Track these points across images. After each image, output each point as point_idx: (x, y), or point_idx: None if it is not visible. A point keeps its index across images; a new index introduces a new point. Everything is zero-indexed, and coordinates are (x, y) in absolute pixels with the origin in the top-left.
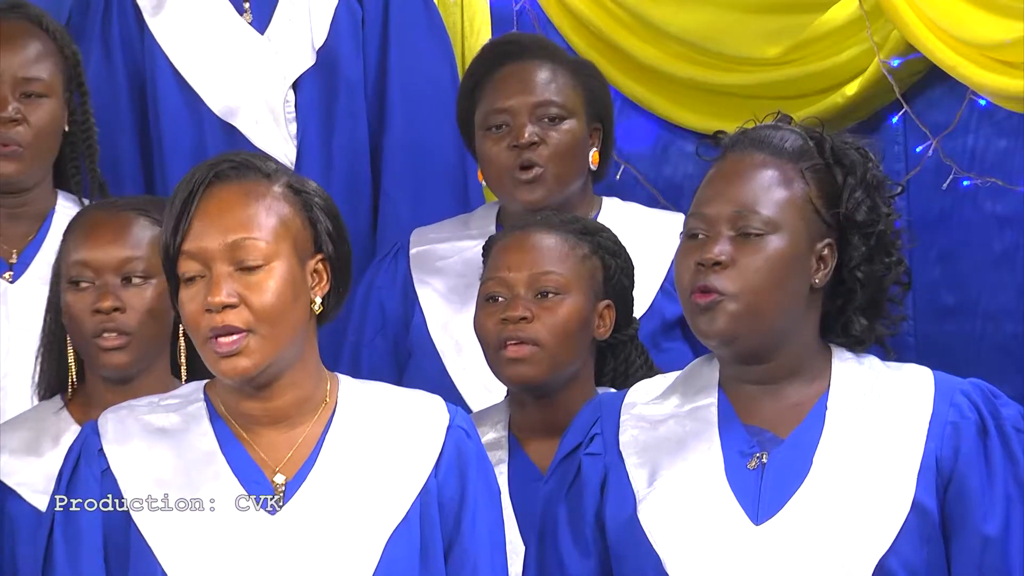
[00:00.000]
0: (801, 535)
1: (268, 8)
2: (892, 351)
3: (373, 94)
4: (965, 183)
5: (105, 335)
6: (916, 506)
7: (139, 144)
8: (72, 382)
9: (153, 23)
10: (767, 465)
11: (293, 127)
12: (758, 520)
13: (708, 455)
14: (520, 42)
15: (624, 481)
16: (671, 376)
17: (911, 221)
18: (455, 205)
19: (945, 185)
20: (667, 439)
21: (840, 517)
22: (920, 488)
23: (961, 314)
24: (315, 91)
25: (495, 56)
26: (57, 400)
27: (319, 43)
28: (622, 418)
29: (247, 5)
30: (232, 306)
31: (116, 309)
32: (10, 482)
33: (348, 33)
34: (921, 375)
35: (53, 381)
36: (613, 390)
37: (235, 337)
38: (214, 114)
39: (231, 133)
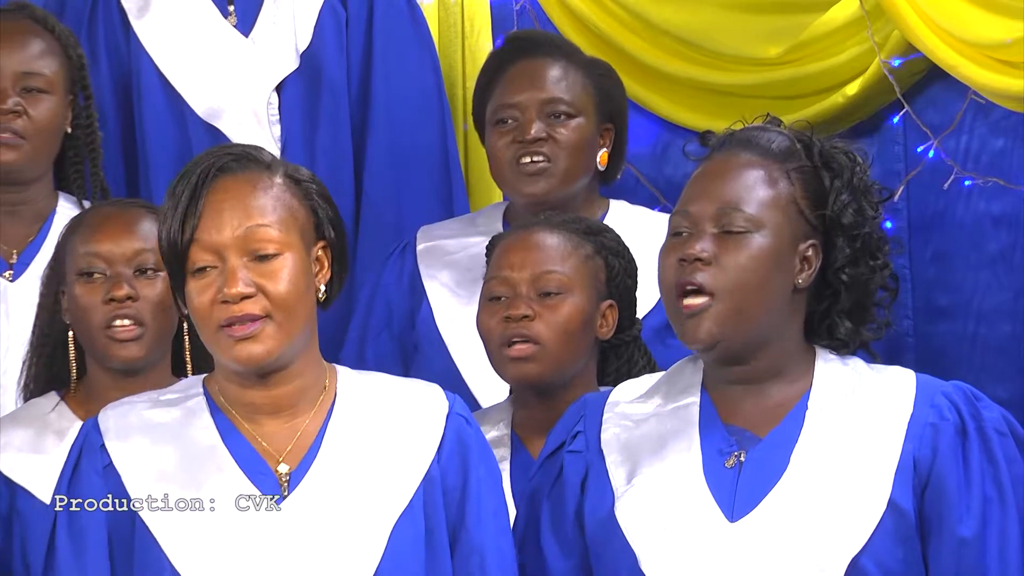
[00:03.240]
0: (775, 533)
1: (252, 11)
2: (877, 356)
3: (357, 97)
4: (966, 183)
5: (117, 325)
6: (892, 506)
7: (123, 145)
8: (73, 379)
9: (138, 25)
10: (744, 464)
11: (276, 129)
12: (733, 517)
13: (687, 454)
14: (534, 39)
15: (604, 479)
16: (656, 376)
17: (911, 221)
18: (438, 208)
19: (946, 185)
20: (647, 437)
21: (814, 515)
22: (896, 488)
23: (957, 314)
24: (298, 94)
25: (509, 52)
26: (52, 396)
27: (303, 46)
28: (604, 416)
29: (232, 8)
30: (249, 296)
31: (130, 298)
32: (19, 480)
33: (332, 36)
34: (904, 377)
35: (43, 381)
36: None
37: (252, 323)
38: (198, 116)
39: (215, 135)
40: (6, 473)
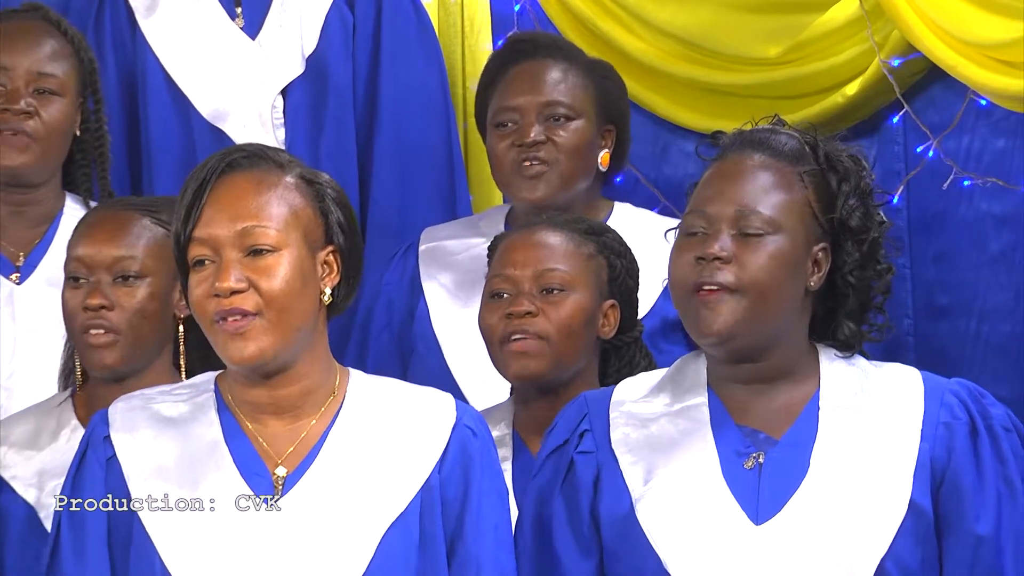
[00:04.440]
0: (802, 535)
1: (260, 14)
2: (870, 356)
3: (363, 101)
4: (965, 183)
5: (92, 332)
6: (912, 507)
7: (127, 145)
8: (78, 377)
9: (145, 25)
10: (764, 465)
11: (281, 133)
12: (758, 520)
13: (703, 455)
14: (535, 41)
15: (618, 479)
16: (657, 374)
17: (911, 221)
18: (442, 212)
19: (946, 185)
20: (660, 438)
21: (840, 517)
22: (916, 489)
23: (958, 314)
24: (304, 97)
25: (509, 53)
26: (64, 393)
27: (309, 50)
28: (612, 415)
29: (239, 10)
30: (240, 291)
31: (103, 307)
32: (6, 475)
33: (338, 40)
34: (909, 375)
35: (69, 378)
36: None
37: (243, 318)
38: (203, 117)
39: (219, 137)
40: None
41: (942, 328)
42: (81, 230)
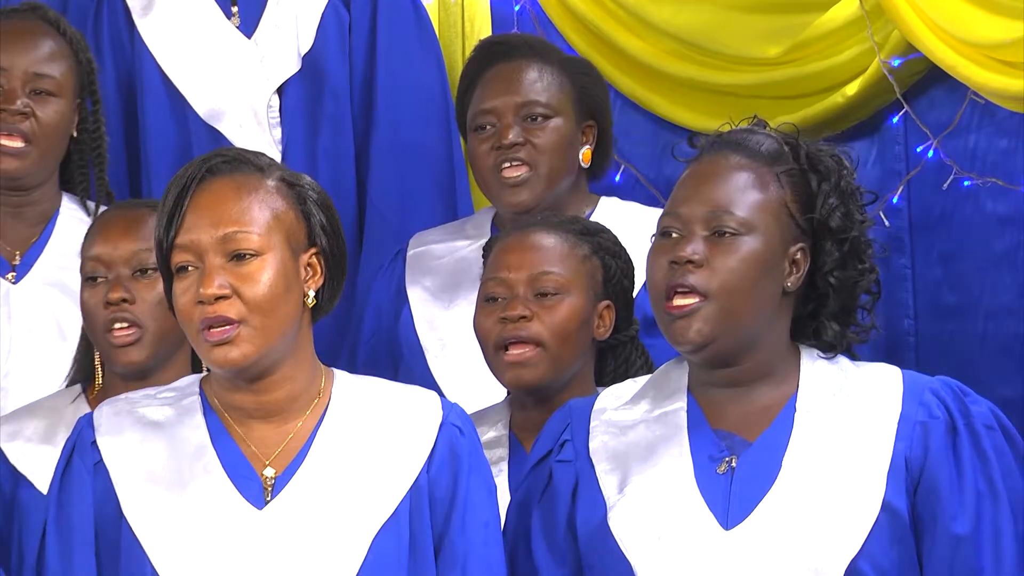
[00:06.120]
0: (771, 539)
1: (256, 13)
2: (858, 357)
3: (360, 100)
4: (966, 183)
5: (116, 330)
6: (886, 507)
7: (125, 144)
8: (99, 375)
9: (142, 24)
10: (736, 469)
11: (278, 132)
12: (728, 525)
13: (678, 461)
14: (508, 42)
15: (594, 488)
16: (641, 380)
17: (912, 221)
18: (441, 212)
19: (946, 185)
20: (637, 445)
21: (810, 520)
22: (890, 489)
23: (962, 314)
24: (300, 96)
25: (484, 57)
26: (75, 389)
27: (305, 49)
28: (592, 424)
29: (235, 9)
30: (224, 297)
31: (124, 300)
32: (24, 470)
33: (334, 39)
34: (890, 374)
35: (79, 375)
36: None
37: (227, 327)
38: (199, 117)
39: (216, 136)
40: (12, 462)
41: (946, 328)
42: (94, 232)
